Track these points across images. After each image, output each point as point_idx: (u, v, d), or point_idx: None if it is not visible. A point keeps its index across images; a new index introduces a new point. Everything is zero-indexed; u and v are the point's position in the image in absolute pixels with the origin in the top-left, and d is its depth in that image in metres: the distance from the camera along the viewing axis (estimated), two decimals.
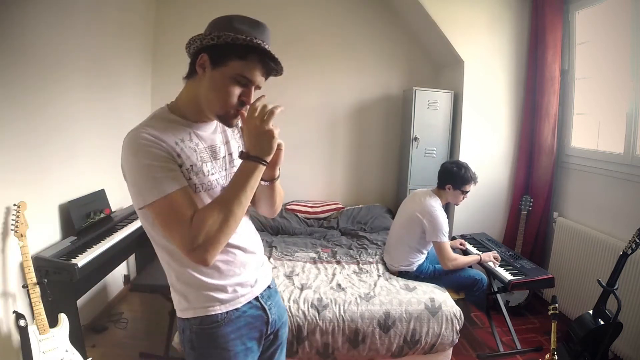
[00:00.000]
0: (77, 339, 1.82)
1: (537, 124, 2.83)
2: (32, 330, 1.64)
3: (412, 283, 2.17)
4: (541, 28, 2.74)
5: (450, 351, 2.03)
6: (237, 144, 1.04)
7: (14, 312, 1.62)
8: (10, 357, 1.70)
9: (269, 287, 1.07)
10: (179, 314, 0.96)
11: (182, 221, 0.80)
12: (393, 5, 3.32)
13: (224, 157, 0.98)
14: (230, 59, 0.84)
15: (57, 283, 1.77)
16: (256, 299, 1.01)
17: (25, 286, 1.67)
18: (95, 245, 1.98)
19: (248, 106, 0.88)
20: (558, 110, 2.76)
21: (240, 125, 0.97)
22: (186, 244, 0.79)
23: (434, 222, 2.17)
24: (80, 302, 2.07)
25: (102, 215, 2.28)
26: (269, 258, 2.49)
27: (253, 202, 1.07)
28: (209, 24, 0.89)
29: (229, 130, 1.02)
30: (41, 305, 1.66)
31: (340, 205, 3.40)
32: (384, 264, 2.42)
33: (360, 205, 3.41)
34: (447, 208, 3.05)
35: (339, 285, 2.14)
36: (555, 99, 2.74)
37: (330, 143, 3.50)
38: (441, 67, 3.37)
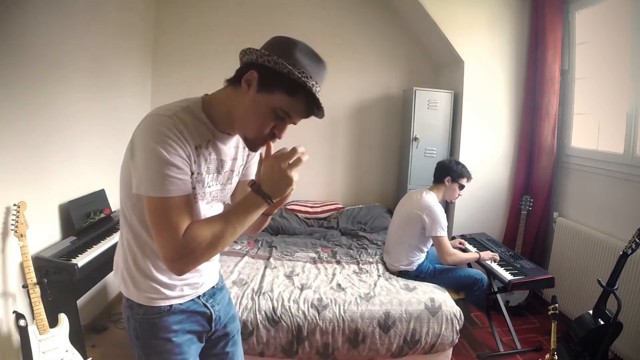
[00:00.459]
0: (77, 339, 1.82)
1: (537, 124, 2.83)
2: (32, 330, 1.64)
3: (412, 283, 2.17)
4: (541, 28, 2.74)
5: (450, 351, 2.03)
6: (241, 162, 1.03)
7: (14, 312, 1.62)
8: (10, 357, 1.70)
9: (212, 287, 1.08)
10: (123, 291, 0.97)
11: (174, 228, 0.78)
12: (393, 5, 3.32)
13: (226, 171, 0.97)
14: (278, 89, 0.80)
15: (57, 283, 1.78)
16: (198, 297, 1.02)
17: (25, 286, 1.67)
18: (95, 245, 1.98)
19: (276, 138, 0.86)
20: (558, 110, 2.76)
21: (260, 152, 0.94)
22: (171, 252, 0.78)
23: (432, 217, 2.18)
24: (80, 302, 2.07)
25: (102, 215, 2.28)
26: (268, 258, 2.49)
27: None
28: (270, 41, 0.83)
29: (241, 147, 1.00)
30: (41, 305, 1.66)
31: (340, 205, 3.40)
32: (384, 264, 2.43)
33: (360, 205, 3.41)
34: (447, 208, 3.06)
35: (339, 285, 2.14)
36: (555, 99, 2.74)
37: (330, 143, 3.50)
38: (441, 67, 3.37)
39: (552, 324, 1.78)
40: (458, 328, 1.96)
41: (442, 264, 2.31)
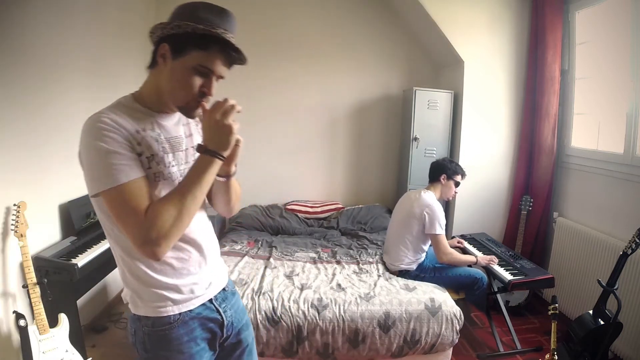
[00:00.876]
0: (77, 339, 1.82)
1: (537, 124, 2.83)
2: (32, 330, 1.64)
3: (412, 283, 2.17)
4: (541, 28, 2.74)
5: (450, 351, 2.03)
6: (200, 138, 1.00)
7: (14, 312, 1.62)
8: (10, 357, 1.70)
9: (224, 289, 1.05)
10: (132, 310, 0.94)
11: (135, 213, 0.78)
12: (393, 5, 3.32)
13: (185, 149, 0.96)
14: (190, 49, 0.83)
15: (57, 283, 1.78)
16: (210, 301, 1.00)
17: (25, 286, 1.67)
18: (95, 245, 1.98)
19: (209, 97, 0.87)
20: (558, 110, 2.76)
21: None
22: (138, 236, 0.77)
23: (432, 214, 2.21)
24: (80, 302, 2.07)
25: None
26: (268, 258, 2.49)
27: (209, 198, 1.06)
28: (173, 11, 0.86)
29: (192, 123, 1.00)
30: (41, 305, 1.66)
31: (340, 205, 3.40)
32: (384, 264, 2.43)
33: (360, 205, 3.41)
34: (447, 208, 3.06)
35: (339, 285, 2.14)
36: (555, 99, 2.74)
37: (330, 143, 3.49)
38: (441, 67, 3.37)
39: (552, 324, 1.78)
40: (458, 328, 1.96)
41: (441, 264, 2.31)
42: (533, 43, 2.84)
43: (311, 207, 3.33)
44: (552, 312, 1.79)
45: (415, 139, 3.04)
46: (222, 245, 2.67)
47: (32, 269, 1.66)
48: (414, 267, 2.29)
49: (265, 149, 3.39)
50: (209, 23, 0.82)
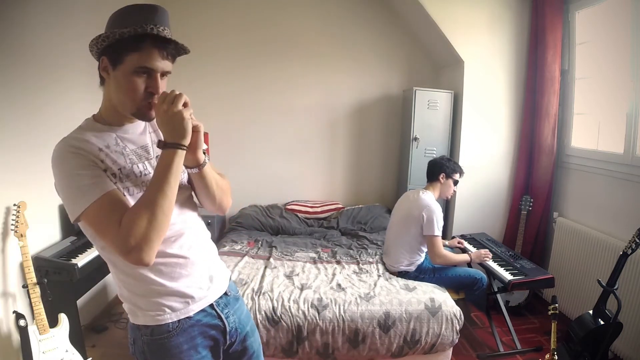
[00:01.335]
0: (77, 339, 1.82)
1: (537, 124, 2.83)
2: (32, 330, 1.64)
3: (412, 283, 2.17)
4: (541, 28, 2.74)
5: (450, 351, 2.03)
6: None
7: (14, 312, 1.62)
8: (10, 357, 1.70)
9: (226, 294, 1.03)
10: (131, 320, 0.95)
11: (111, 225, 0.79)
12: (393, 5, 3.32)
13: (156, 156, 0.95)
14: (125, 54, 0.83)
15: (57, 283, 1.78)
16: (211, 306, 0.98)
17: (25, 286, 1.67)
18: None
19: (155, 95, 0.87)
20: (558, 110, 2.76)
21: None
22: (120, 247, 0.78)
23: (431, 215, 2.19)
24: (80, 302, 2.07)
25: None
26: (268, 258, 2.49)
27: (196, 198, 1.04)
28: (106, 23, 0.87)
29: (158, 130, 0.99)
30: (41, 305, 1.66)
31: (340, 205, 3.40)
32: (384, 264, 2.42)
33: (360, 205, 3.41)
34: (447, 208, 3.06)
35: (339, 285, 2.14)
36: (555, 99, 2.74)
37: (330, 143, 3.49)
38: (441, 67, 3.37)
39: (552, 324, 1.78)
40: (458, 328, 1.96)
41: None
42: (533, 43, 2.84)
43: (311, 207, 3.33)
44: (552, 312, 1.79)
45: (415, 139, 3.04)
46: (222, 245, 2.67)
47: (32, 269, 1.66)
48: (412, 268, 2.29)
49: (265, 149, 3.38)
50: (135, 23, 0.82)
